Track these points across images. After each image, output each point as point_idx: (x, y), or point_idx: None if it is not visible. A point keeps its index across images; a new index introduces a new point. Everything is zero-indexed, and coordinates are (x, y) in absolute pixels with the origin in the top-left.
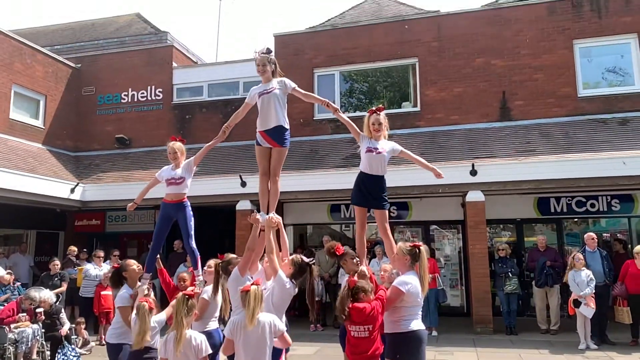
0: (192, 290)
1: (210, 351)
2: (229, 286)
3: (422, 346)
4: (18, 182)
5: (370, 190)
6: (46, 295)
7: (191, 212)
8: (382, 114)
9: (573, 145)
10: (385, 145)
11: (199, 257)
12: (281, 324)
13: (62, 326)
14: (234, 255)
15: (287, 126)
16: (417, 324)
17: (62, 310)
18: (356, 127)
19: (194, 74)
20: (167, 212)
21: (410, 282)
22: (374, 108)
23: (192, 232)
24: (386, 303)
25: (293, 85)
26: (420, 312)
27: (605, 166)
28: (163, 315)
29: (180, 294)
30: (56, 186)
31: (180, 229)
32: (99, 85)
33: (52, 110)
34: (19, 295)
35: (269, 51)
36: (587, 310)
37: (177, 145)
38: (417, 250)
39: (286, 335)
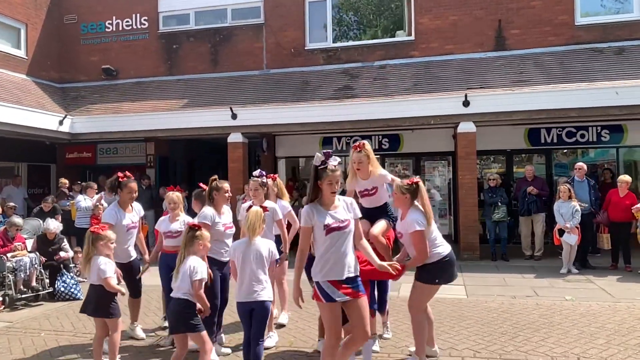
0: None
1: (205, 277)
2: None
3: (454, 266)
4: (5, 113)
5: (370, 214)
6: (53, 225)
7: None
8: (364, 149)
9: (568, 75)
10: (376, 182)
11: None
12: (277, 252)
13: (66, 252)
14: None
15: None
16: (444, 248)
17: (64, 240)
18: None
19: (180, 1)
20: (166, 262)
21: (419, 218)
22: (356, 144)
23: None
24: (419, 247)
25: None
26: (440, 234)
27: (598, 96)
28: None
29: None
30: (44, 118)
31: None
32: (82, 13)
33: (34, 39)
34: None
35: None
36: (571, 238)
37: (177, 196)
38: (416, 186)
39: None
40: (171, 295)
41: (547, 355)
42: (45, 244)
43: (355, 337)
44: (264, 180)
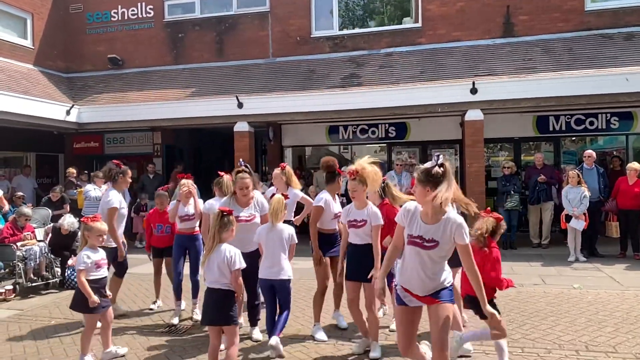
0: None
1: (243, 265)
2: None
3: None
4: (13, 104)
5: (360, 261)
6: (66, 222)
7: (202, 245)
8: (358, 176)
9: (576, 62)
10: (369, 215)
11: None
12: (295, 237)
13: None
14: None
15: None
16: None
17: (78, 233)
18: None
19: None
20: (181, 242)
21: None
22: (350, 170)
23: (199, 266)
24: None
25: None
26: None
27: (607, 82)
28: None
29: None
30: (52, 108)
31: (189, 255)
32: (87, 2)
33: (40, 29)
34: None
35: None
36: (578, 223)
37: (190, 182)
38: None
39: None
40: (208, 285)
41: (554, 343)
42: (59, 238)
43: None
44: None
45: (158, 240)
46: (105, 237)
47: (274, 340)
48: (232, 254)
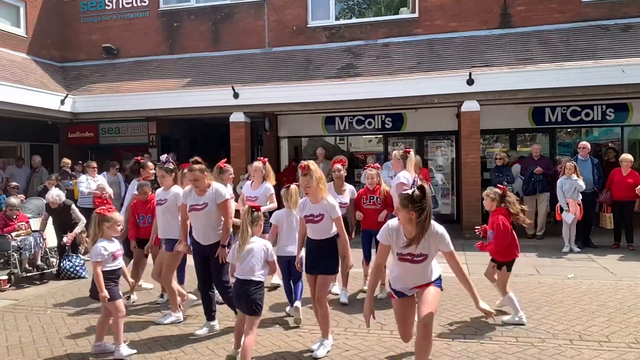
0: None
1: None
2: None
3: None
4: (6, 93)
5: (316, 249)
6: (53, 195)
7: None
8: (309, 171)
9: (573, 53)
10: (325, 209)
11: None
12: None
13: (78, 222)
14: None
15: None
16: None
17: (73, 205)
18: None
19: None
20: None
21: (407, 177)
22: (301, 165)
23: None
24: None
25: None
26: None
27: (604, 74)
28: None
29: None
30: (46, 97)
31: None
32: None
33: (34, 18)
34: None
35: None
36: (568, 216)
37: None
38: (407, 155)
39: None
40: (241, 278)
41: (548, 332)
42: (54, 214)
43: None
44: (170, 167)
45: (143, 230)
46: (122, 226)
47: (298, 303)
48: (269, 247)
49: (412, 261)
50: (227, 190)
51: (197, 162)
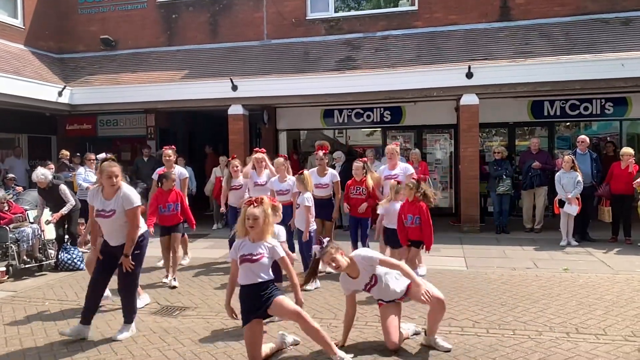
0: None
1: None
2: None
3: None
4: (3, 84)
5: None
6: (38, 174)
7: None
8: (261, 205)
9: (573, 47)
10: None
11: None
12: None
13: (68, 202)
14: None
15: None
16: None
17: (62, 185)
18: None
19: None
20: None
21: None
22: (249, 200)
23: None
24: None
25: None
26: None
27: (603, 68)
28: None
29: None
30: (43, 89)
31: None
32: None
33: (31, 8)
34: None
35: None
36: (571, 208)
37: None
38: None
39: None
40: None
41: (545, 325)
42: (46, 195)
43: None
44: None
45: (165, 219)
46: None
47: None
48: (278, 229)
49: (375, 285)
50: (136, 197)
51: (113, 160)
